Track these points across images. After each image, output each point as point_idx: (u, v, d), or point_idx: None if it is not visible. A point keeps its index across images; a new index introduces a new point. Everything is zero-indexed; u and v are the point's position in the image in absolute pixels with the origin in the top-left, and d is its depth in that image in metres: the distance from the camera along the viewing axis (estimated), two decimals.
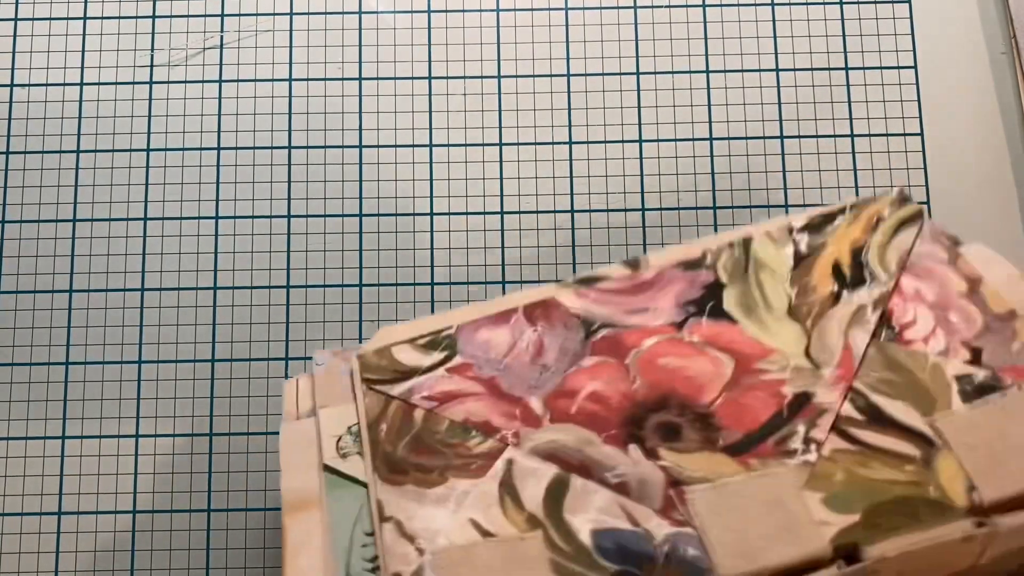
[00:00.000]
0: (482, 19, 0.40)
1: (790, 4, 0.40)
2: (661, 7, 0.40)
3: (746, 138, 0.39)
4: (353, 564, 0.24)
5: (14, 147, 0.38)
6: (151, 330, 0.37)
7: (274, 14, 0.40)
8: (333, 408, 0.28)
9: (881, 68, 0.39)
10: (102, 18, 0.40)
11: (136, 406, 0.36)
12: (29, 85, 0.39)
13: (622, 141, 0.39)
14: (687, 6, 0.40)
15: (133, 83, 0.39)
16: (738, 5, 0.40)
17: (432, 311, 0.37)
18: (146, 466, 0.36)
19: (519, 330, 0.28)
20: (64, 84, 0.39)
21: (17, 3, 0.40)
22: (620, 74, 0.39)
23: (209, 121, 0.39)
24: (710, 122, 0.39)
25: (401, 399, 0.27)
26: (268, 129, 0.39)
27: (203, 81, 0.39)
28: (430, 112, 0.39)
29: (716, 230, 0.38)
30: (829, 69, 0.39)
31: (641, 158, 0.38)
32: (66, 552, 0.35)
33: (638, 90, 0.39)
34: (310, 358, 0.37)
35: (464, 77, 0.39)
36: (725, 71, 0.39)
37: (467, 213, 0.38)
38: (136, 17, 0.40)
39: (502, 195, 0.38)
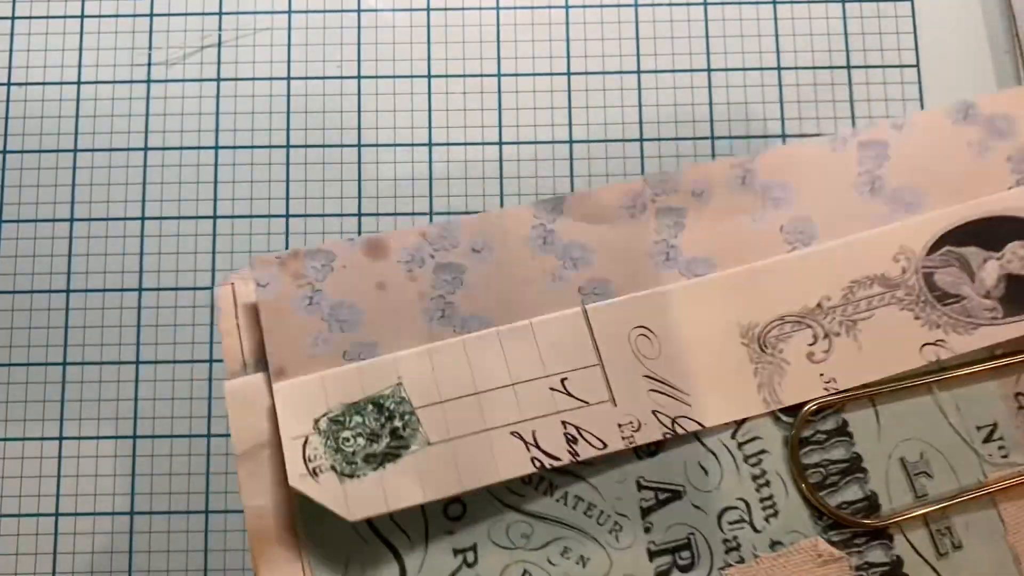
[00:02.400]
0: (482, 18, 0.40)
1: (791, 3, 0.40)
2: (662, 5, 0.40)
3: (747, 137, 0.38)
4: None
5: (11, 146, 0.38)
6: (148, 331, 0.37)
7: (272, 12, 0.40)
8: (293, 381, 0.23)
9: (883, 67, 0.39)
10: (99, 16, 0.39)
11: (134, 407, 0.36)
12: (26, 84, 0.39)
13: (622, 140, 0.38)
14: (688, 4, 0.40)
15: (131, 82, 0.39)
16: (739, 3, 0.40)
17: None
18: (144, 467, 0.36)
19: None
20: (61, 83, 0.39)
21: (14, 1, 0.40)
22: (620, 73, 0.39)
23: (207, 120, 0.39)
24: (711, 121, 0.39)
25: None
26: (266, 128, 0.39)
27: (201, 80, 0.39)
28: (430, 112, 0.39)
29: None
30: (831, 68, 0.39)
31: (642, 157, 0.38)
32: (64, 554, 0.35)
33: (638, 89, 0.39)
34: None
35: (464, 75, 0.39)
36: (726, 70, 0.39)
37: (467, 213, 0.38)
38: (134, 15, 0.40)
39: (502, 195, 0.38)
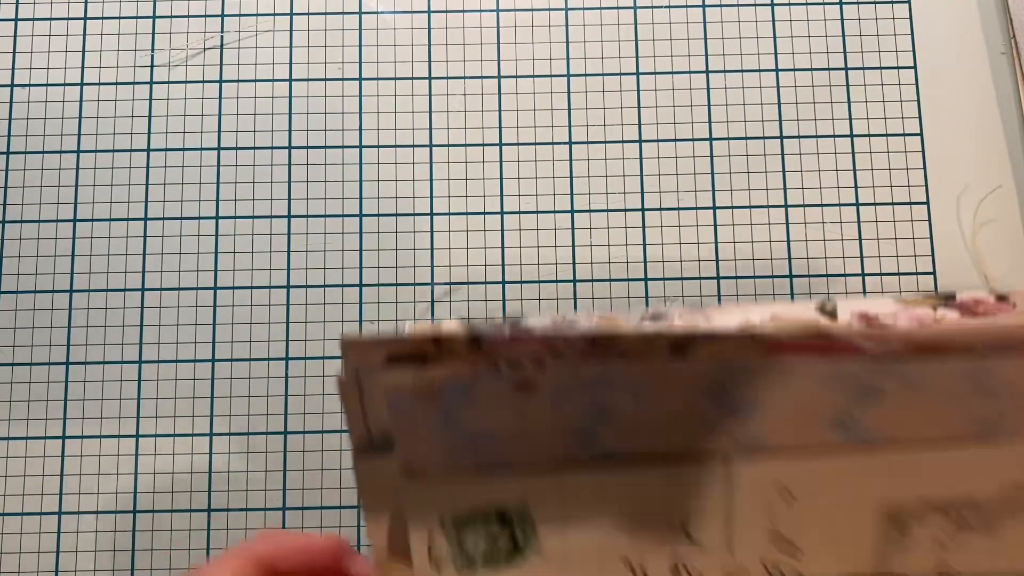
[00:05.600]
0: (482, 19, 0.40)
1: (790, 4, 0.40)
2: (661, 7, 0.40)
3: (746, 138, 0.39)
4: None
5: (14, 147, 0.39)
6: (151, 330, 0.37)
7: (274, 14, 0.40)
8: (424, 485, 0.23)
9: (881, 68, 0.39)
10: (102, 18, 0.40)
11: (136, 406, 0.36)
12: (29, 85, 0.39)
13: (622, 141, 0.39)
14: (687, 6, 0.40)
15: (133, 83, 0.39)
16: (738, 5, 0.40)
17: (432, 311, 0.37)
18: (146, 466, 0.36)
19: None
20: (64, 84, 0.39)
21: (17, 3, 0.40)
22: (620, 74, 0.39)
23: (209, 121, 0.39)
24: (710, 122, 0.39)
25: None
26: (268, 129, 0.39)
27: (203, 81, 0.39)
28: (430, 112, 0.39)
29: (716, 230, 0.38)
30: (829, 69, 0.39)
31: (641, 158, 0.38)
32: (66, 552, 0.35)
33: (638, 90, 0.39)
34: (312, 357, 0.37)
35: (464, 77, 0.39)
36: (725, 71, 0.39)
37: (467, 213, 0.38)
38: (136, 17, 0.40)
39: (502, 195, 0.38)
